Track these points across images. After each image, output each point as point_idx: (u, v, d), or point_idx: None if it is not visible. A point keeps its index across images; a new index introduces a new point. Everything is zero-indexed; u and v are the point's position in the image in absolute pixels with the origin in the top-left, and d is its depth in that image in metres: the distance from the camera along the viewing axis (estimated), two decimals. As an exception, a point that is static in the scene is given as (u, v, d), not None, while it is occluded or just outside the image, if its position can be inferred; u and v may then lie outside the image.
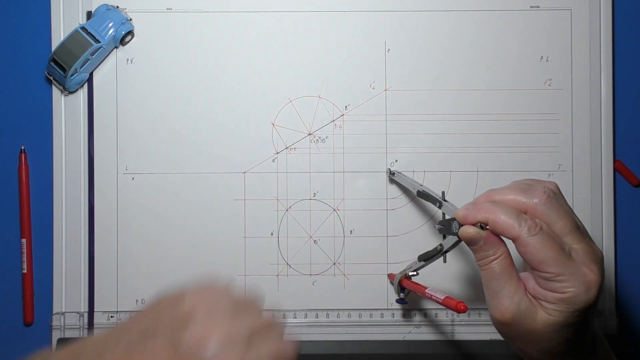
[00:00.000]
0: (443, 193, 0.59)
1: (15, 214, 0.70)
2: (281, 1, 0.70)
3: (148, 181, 0.69)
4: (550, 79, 0.70)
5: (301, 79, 0.70)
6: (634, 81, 0.71)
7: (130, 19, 0.69)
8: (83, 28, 0.67)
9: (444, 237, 0.57)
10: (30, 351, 0.69)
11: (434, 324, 0.69)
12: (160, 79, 0.70)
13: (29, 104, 0.70)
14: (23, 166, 0.70)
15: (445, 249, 0.57)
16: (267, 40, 0.70)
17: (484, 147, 0.70)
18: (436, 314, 0.69)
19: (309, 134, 0.70)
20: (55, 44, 0.69)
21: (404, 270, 0.65)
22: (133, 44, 0.70)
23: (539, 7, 0.70)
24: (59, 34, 0.69)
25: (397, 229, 0.70)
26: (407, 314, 0.69)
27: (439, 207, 0.58)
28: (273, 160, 0.70)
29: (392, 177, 0.69)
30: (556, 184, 0.52)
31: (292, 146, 0.70)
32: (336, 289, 0.70)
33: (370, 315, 0.69)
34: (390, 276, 0.68)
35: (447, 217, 0.57)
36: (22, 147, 0.70)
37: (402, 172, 0.69)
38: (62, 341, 0.68)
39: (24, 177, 0.70)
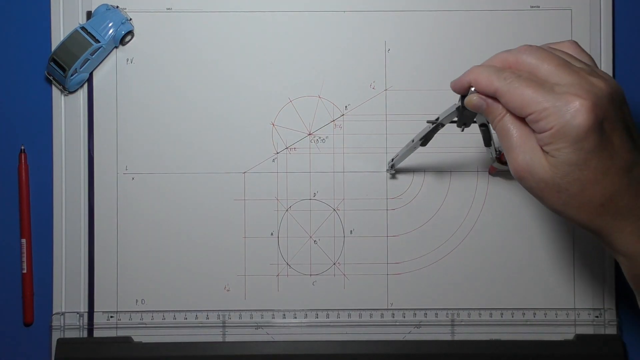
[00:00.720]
0: (456, 106, 0.56)
1: (15, 214, 0.70)
2: (281, 1, 0.70)
3: (148, 181, 0.70)
4: (550, 79, 0.70)
5: (301, 79, 0.70)
6: (634, 81, 0.71)
7: (130, 19, 0.69)
8: (83, 28, 0.67)
9: (468, 125, 0.57)
10: (30, 351, 0.70)
11: (434, 324, 0.69)
12: (160, 79, 0.70)
13: (29, 104, 0.70)
14: (23, 166, 0.70)
15: (481, 123, 0.57)
16: (267, 40, 0.70)
17: (484, 147, 0.70)
18: (436, 314, 0.69)
19: (309, 134, 0.70)
20: (55, 44, 0.69)
21: (492, 158, 0.64)
22: (133, 44, 0.70)
23: (539, 7, 0.70)
24: (59, 34, 0.69)
25: (397, 229, 0.70)
26: (407, 314, 0.69)
27: (459, 109, 0.55)
28: (273, 160, 0.70)
29: (395, 166, 0.68)
30: (573, 43, 0.51)
31: (292, 146, 0.70)
32: (336, 289, 0.70)
33: (370, 315, 0.69)
34: (492, 169, 0.69)
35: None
36: (22, 147, 0.70)
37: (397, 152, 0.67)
38: (62, 341, 0.68)
39: (23, 177, 0.70)
